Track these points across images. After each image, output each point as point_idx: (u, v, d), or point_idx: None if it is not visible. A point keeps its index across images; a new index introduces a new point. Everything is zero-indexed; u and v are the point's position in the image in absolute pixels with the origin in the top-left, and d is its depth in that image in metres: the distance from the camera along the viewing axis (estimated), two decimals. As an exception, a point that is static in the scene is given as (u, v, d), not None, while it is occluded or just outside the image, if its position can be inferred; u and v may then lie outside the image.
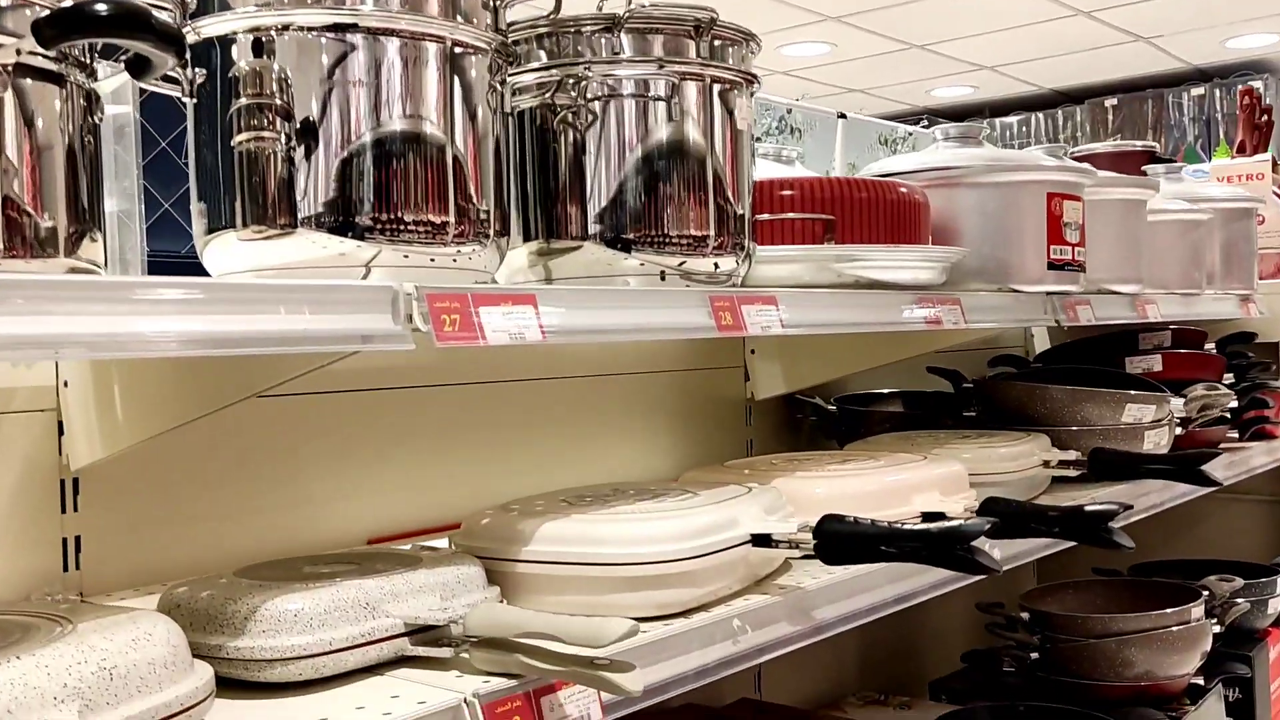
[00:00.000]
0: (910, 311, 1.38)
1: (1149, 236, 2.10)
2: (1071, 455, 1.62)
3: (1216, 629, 2.09)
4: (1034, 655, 2.05)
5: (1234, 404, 2.19)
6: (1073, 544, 1.33)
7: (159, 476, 1.15)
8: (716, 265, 1.16)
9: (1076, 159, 3.00)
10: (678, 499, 1.12)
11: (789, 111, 2.21)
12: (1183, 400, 1.82)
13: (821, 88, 6.04)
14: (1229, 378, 2.19)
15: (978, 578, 1.32)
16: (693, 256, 1.13)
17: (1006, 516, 1.24)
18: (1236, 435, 2.20)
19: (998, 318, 1.61)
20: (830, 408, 2.09)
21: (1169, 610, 1.99)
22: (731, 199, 1.15)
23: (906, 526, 1.01)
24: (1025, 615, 2.09)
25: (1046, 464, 1.62)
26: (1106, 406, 1.79)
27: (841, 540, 1.02)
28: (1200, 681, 2.06)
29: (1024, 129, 6.29)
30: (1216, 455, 1.56)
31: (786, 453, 1.65)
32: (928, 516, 1.29)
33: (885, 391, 2.19)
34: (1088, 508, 1.20)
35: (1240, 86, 3.14)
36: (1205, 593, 2.11)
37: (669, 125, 1.12)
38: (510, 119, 1.15)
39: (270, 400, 1.27)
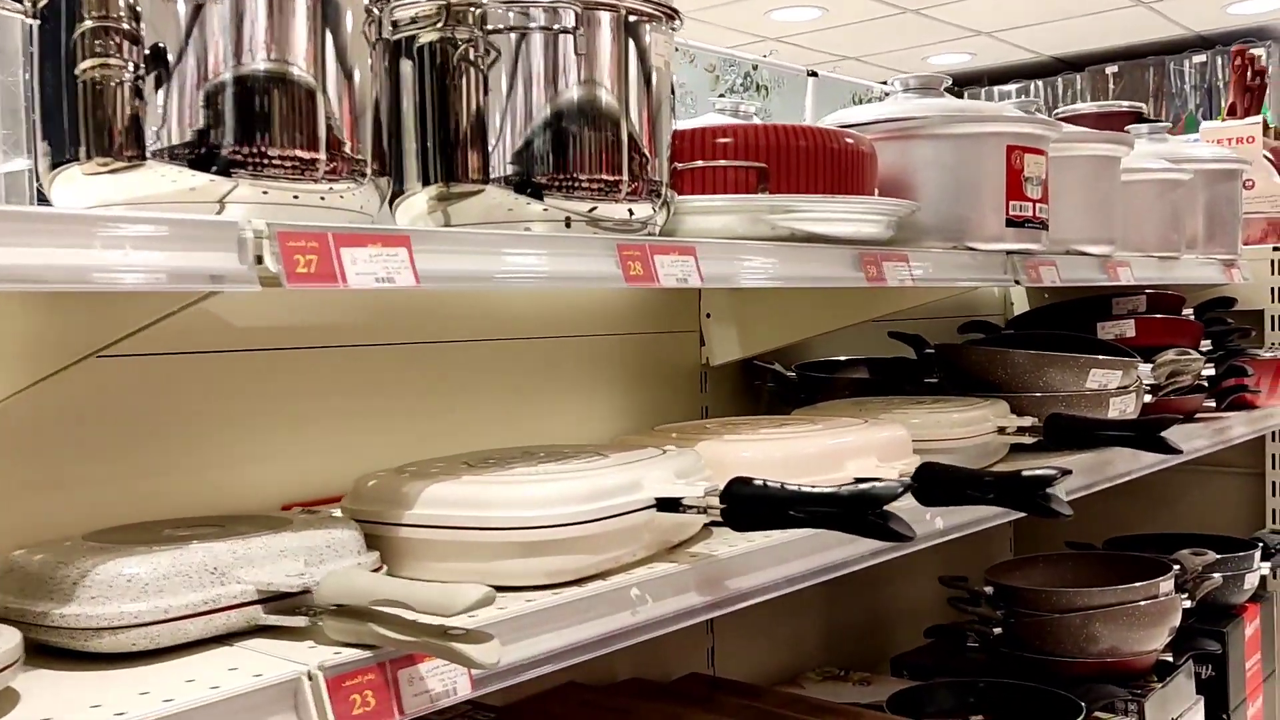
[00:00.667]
0: (850, 268, 1.30)
1: (1124, 197, 2.02)
2: (1027, 421, 1.54)
3: (1187, 604, 2.02)
4: (998, 630, 1.99)
5: (1210, 371, 2.11)
6: (1021, 514, 1.25)
7: (34, 439, 1.08)
8: (631, 212, 1.08)
9: (1062, 119, 2.91)
10: (584, 461, 1.05)
11: (754, 68, 2.11)
12: (1150, 366, 1.74)
13: (812, 55, 5.92)
14: (1206, 345, 2.11)
15: (916, 547, 1.25)
16: (603, 202, 1.05)
17: (941, 482, 1.16)
18: (1214, 404, 2.12)
19: (952, 276, 1.53)
20: (790, 374, 2.02)
21: (1136, 585, 1.92)
22: (646, 141, 1.07)
23: (815, 489, 0.93)
24: (990, 589, 2.02)
25: (1002, 430, 1.55)
26: (1070, 372, 1.71)
27: (749, 504, 0.95)
28: (1169, 658, 1.99)
29: (1023, 97, 6.18)
30: (1177, 422, 1.49)
31: (725, 417, 1.57)
32: (860, 483, 1.22)
33: (848, 358, 2.11)
34: (1025, 473, 1.12)
35: (1234, 46, 3.04)
36: (1177, 567, 2.03)
37: (576, 60, 1.04)
38: (409, 56, 1.07)
39: (181, 358, 1.20)
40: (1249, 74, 2.92)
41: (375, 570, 0.90)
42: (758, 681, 2.03)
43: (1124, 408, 1.73)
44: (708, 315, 1.93)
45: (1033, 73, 6.40)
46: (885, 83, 2.13)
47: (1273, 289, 2.50)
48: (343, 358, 1.40)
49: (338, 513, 1.04)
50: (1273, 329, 2.50)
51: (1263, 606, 2.36)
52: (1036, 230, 1.60)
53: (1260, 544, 2.35)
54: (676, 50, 2.03)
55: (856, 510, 0.91)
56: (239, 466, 1.29)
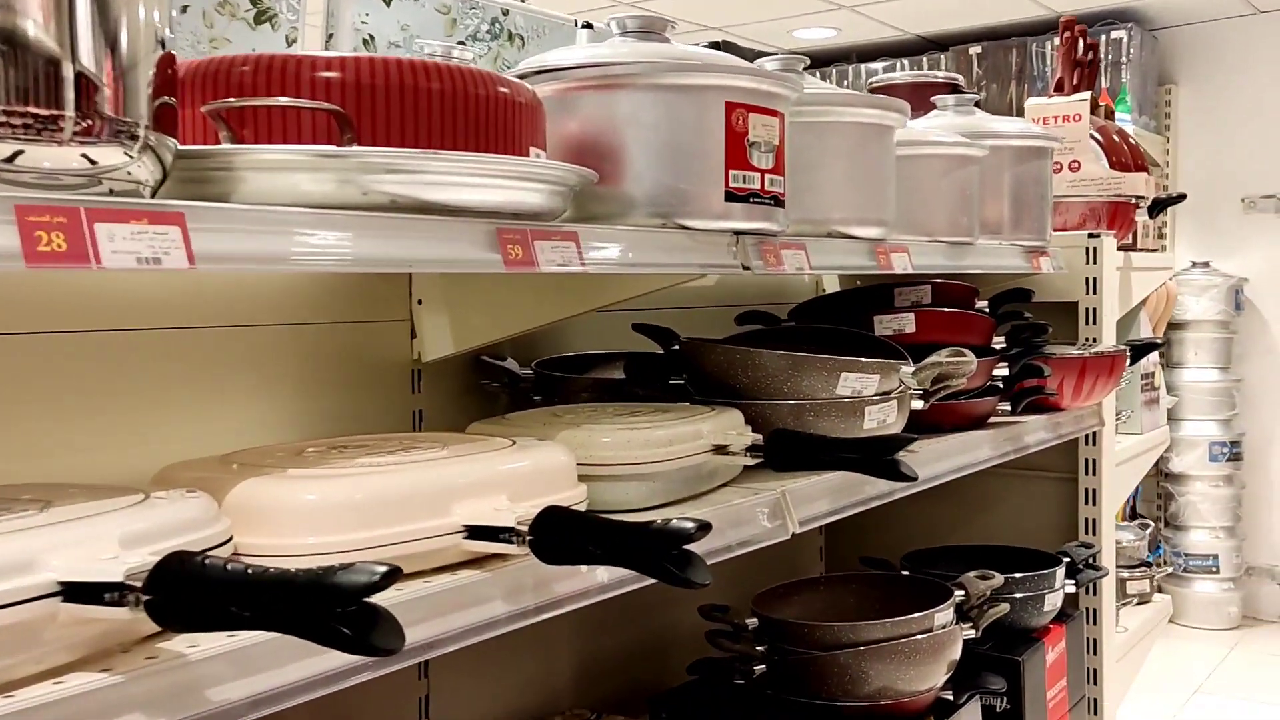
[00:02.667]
0: (481, 248, 1.01)
1: (907, 174, 1.77)
2: (749, 439, 1.27)
3: (970, 634, 1.79)
4: (761, 669, 1.73)
5: (1004, 371, 1.88)
6: (652, 580, 0.98)
7: None
8: (93, 160, 0.77)
9: (874, 90, 2.67)
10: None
11: (505, 12, 1.82)
12: (911, 369, 1.49)
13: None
14: (999, 342, 1.88)
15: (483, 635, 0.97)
16: (34, 144, 0.74)
17: (560, 532, 0.88)
18: (1009, 408, 1.89)
19: (657, 262, 1.25)
20: (524, 373, 1.73)
21: (908, 618, 1.68)
22: (104, 55, 0.76)
23: (270, 571, 0.64)
24: (753, 622, 1.77)
25: (722, 449, 1.28)
26: (818, 376, 1.45)
27: (180, 588, 0.65)
28: (950, 696, 1.76)
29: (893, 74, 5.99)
30: (911, 441, 1.24)
31: (351, 436, 1.27)
32: (473, 531, 0.93)
33: (598, 353, 1.83)
34: (655, 525, 0.85)
35: (1064, 17, 2.83)
36: (960, 593, 1.81)
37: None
38: None
39: None
40: (1078, 48, 2.72)
41: None
42: (484, 730, 1.74)
43: (884, 417, 1.48)
44: (419, 302, 1.63)
45: (899, 51, 6.21)
46: (588, 25, 1.83)
47: (1088, 280, 2.29)
48: None
49: None
50: (1087, 323, 2.29)
51: (1068, 627, 2.15)
52: (768, 207, 1.33)
53: (1066, 559, 2.14)
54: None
55: (318, 606, 0.62)
56: None
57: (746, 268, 1.35)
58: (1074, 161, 2.65)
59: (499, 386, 1.72)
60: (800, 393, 1.45)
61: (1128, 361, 2.15)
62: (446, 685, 1.70)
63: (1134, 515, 5.24)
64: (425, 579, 0.92)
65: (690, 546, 0.84)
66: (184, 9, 1.46)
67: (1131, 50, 5.59)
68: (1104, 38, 5.62)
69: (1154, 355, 2.79)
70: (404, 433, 1.26)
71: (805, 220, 1.55)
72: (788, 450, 1.24)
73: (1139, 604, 2.87)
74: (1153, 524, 3.69)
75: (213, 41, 1.48)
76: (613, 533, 0.85)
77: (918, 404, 1.58)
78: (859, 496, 1.45)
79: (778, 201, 1.35)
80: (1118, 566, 2.88)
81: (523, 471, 1.00)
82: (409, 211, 0.98)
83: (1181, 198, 2.50)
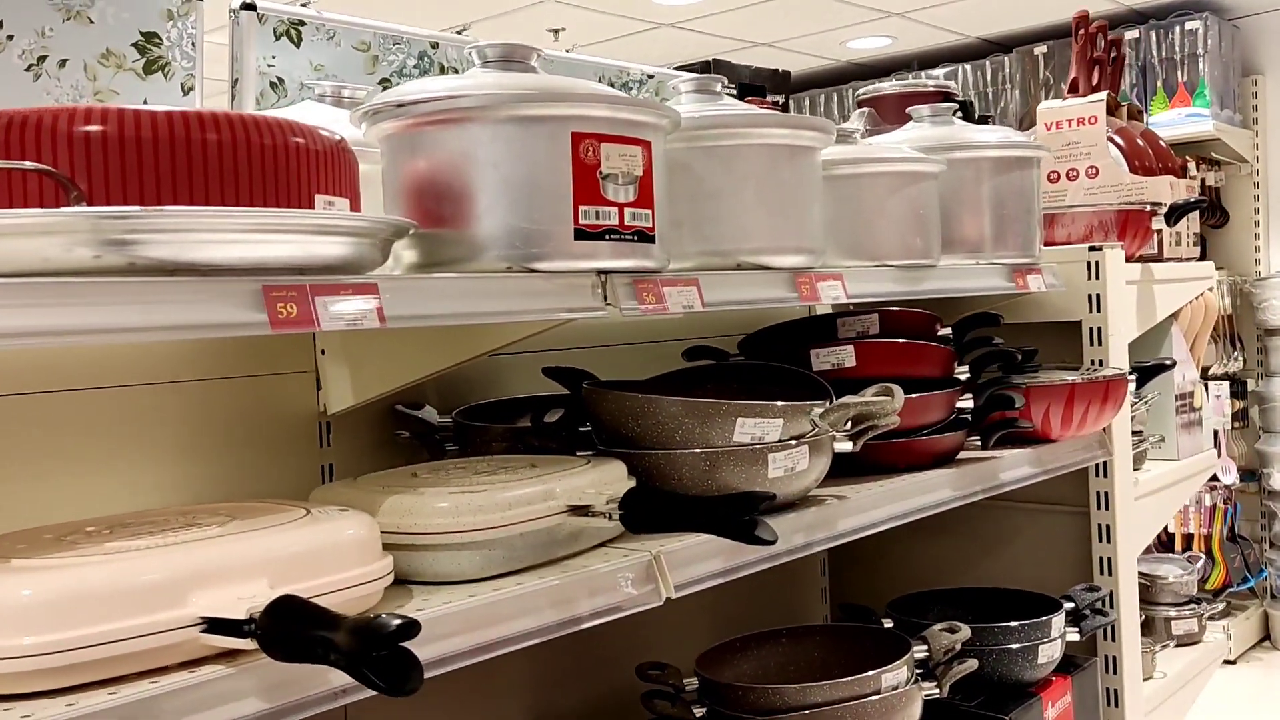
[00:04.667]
0: (244, 307, 0.93)
1: (844, 195, 1.64)
2: (603, 499, 1.16)
3: (934, 694, 1.64)
4: (701, 732, 1.61)
5: (968, 403, 1.72)
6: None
7: None
8: None
9: (862, 103, 2.53)
10: None
11: (434, 46, 1.74)
12: (819, 411, 1.36)
13: (714, 41, 5.53)
14: (963, 372, 1.72)
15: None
16: None
17: (293, 625, 0.79)
18: (980, 441, 1.73)
19: (503, 310, 1.15)
20: (440, 422, 1.65)
21: (852, 678, 1.54)
22: None
23: None
24: (694, 683, 1.65)
25: (581, 510, 1.17)
26: (714, 423, 1.33)
27: None
28: (910, 764, 1.61)
29: (951, 82, 5.78)
30: (766, 499, 1.11)
31: (149, 510, 1.19)
32: (212, 624, 0.85)
33: (529, 397, 1.74)
34: (374, 622, 0.75)
35: (1077, 12, 2.64)
36: (922, 647, 1.65)
37: None
38: None
39: None
40: (1095, 46, 2.53)
41: None
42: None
43: (792, 464, 1.35)
44: (322, 352, 1.57)
45: (960, 55, 5.97)
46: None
47: (1090, 296, 2.11)
48: None
49: None
50: (1092, 343, 2.11)
51: (1076, 679, 1.97)
52: (633, 243, 1.23)
53: (1069, 604, 1.96)
54: (304, 24, 1.62)
55: None
56: None
57: (616, 309, 1.24)
58: (1090, 168, 2.46)
59: (412, 437, 1.64)
60: (696, 441, 1.34)
61: (1131, 385, 1.96)
62: (368, 751, 1.62)
63: (1233, 537, 4.91)
64: (155, 679, 0.84)
65: (409, 645, 0.74)
66: (62, 63, 1.43)
67: (1209, 41, 5.27)
68: (1179, 29, 5.32)
69: (1191, 373, 2.56)
70: (203, 504, 1.19)
71: (712, 252, 1.44)
72: (643, 509, 1.13)
73: (1179, 645, 2.64)
74: (1202, 556, 3.42)
75: (97, 95, 1.45)
76: (329, 623, 0.76)
77: (845, 446, 1.44)
78: (761, 554, 1.32)
79: (644, 237, 1.24)
80: (1162, 604, 2.65)
81: (286, 551, 0.91)
82: (153, 274, 0.90)
83: (1202, 203, 2.28)
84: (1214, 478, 3.85)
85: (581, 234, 1.18)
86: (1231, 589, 4.71)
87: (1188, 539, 4.68)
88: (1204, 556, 3.45)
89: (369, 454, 1.63)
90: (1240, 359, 5.11)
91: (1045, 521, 2.24)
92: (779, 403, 1.34)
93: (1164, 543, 4.54)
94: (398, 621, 0.73)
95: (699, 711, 1.60)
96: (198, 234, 0.91)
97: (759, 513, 1.08)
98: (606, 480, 1.22)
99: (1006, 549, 2.28)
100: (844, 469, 1.59)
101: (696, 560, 1.25)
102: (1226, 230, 5.38)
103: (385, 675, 0.72)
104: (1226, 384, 4.63)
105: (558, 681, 1.88)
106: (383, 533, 1.08)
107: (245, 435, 1.50)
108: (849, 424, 1.41)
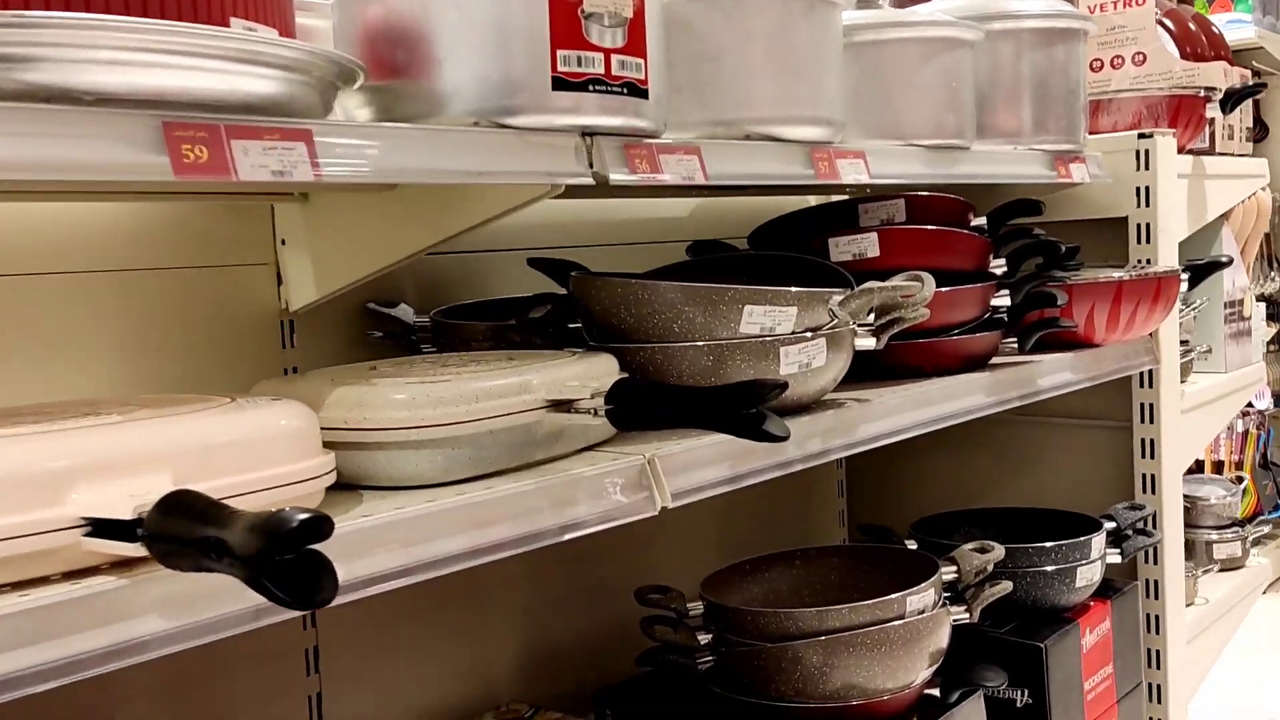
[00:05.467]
0: (139, 149, 0.76)
1: (868, 64, 1.45)
2: (587, 392, 1.00)
3: (963, 619, 1.49)
4: (708, 660, 1.47)
5: (1005, 301, 1.55)
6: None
7: None
8: None
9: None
10: None
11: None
12: (839, 299, 1.19)
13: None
14: (999, 266, 1.54)
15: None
16: None
17: (180, 525, 0.64)
18: (1016, 344, 1.56)
19: (467, 167, 0.99)
20: (417, 321, 1.49)
21: (871, 601, 1.39)
22: None
23: None
24: (699, 607, 1.50)
25: (562, 405, 1.01)
26: (718, 311, 1.16)
27: None
28: (936, 692, 1.47)
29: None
30: (776, 388, 0.94)
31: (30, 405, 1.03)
32: (97, 526, 0.70)
33: (522, 297, 1.57)
34: (274, 518, 0.59)
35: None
36: (950, 568, 1.50)
37: None
38: None
39: None
40: (1143, -80, 2.30)
41: None
42: (392, 731, 1.53)
43: (808, 360, 1.18)
44: (283, 242, 1.41)
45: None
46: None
47: (1139, 190, 1.92)
48: None
49: None
50: (1139, 241, 1.92)
51: (1116, 604, 1.82)
52: (621, 97, 1.05)
53: (1110, 523, 1.80)
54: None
55: None
56: None
57: (601, 178, 1.07)
58: (1137, 54, 2.25)
59: (386, 338, 1.49)
60: (698, 333, 1.17)
61: (1183, 283, 1.78)
62: (344, 679, 1.49)
63: (1265, 464, 4.73)
64: (28, 591, 0.69)
65: (319, 547, 0.59)
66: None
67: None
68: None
69: (1241, 279, 2.38)
70: (116, 396, 1.03)
71: (716, 122, 1.26)
72: (632, 403, 0.97)
73: (1221, 570, 2.49)
74: (1246, 477, 3.24)
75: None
76: (221, 520, 0.61)
77: (867, 342, 1.27)
78: (771, 460, 1.16)
79: (635, 90, 1.06)
80: (1204, 527, 2.50)
81: (195, 442, 0.76)
82: (42, 101, 0.74)
83: (1260, 88, 2.08)
84: (1247, 403, 3.67)
85: (561, 83, 1.01)
86: (1262, 517, 4.55)
87: (1218, 466, 4.51)
88: (1247, 478, 3.28)
89: (337, 357, 1.47)
90: (1277, 279, 4.89)
91: (1083, 437, 2.08)
92: (793, 288, 1.17)
93: (1191, 471, 4.36)
94: (303, 516, 0.57)
95: (704, 638, 1.46)
96: (83, 51, 0.75)
97: (769, 405, 0.92)
98: (594, 373, 1.06)
99: (1040, 467, 2.12)
100: (863, 373, 1.43)
101: (698, 465, 1.09)
102: (1266, 144, 5.12)
103: (289, 584, 0.57)
104: (1263, 305, 4.42)
105: (553, 610, 1.74)
106: (328, 429, 0.93)
107: (198, 334, 1.35)
108: (872, 316, 1.24)
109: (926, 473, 2.23)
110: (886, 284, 1.21)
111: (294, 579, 0.57)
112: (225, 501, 0.68)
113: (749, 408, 0.91)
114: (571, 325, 1.33)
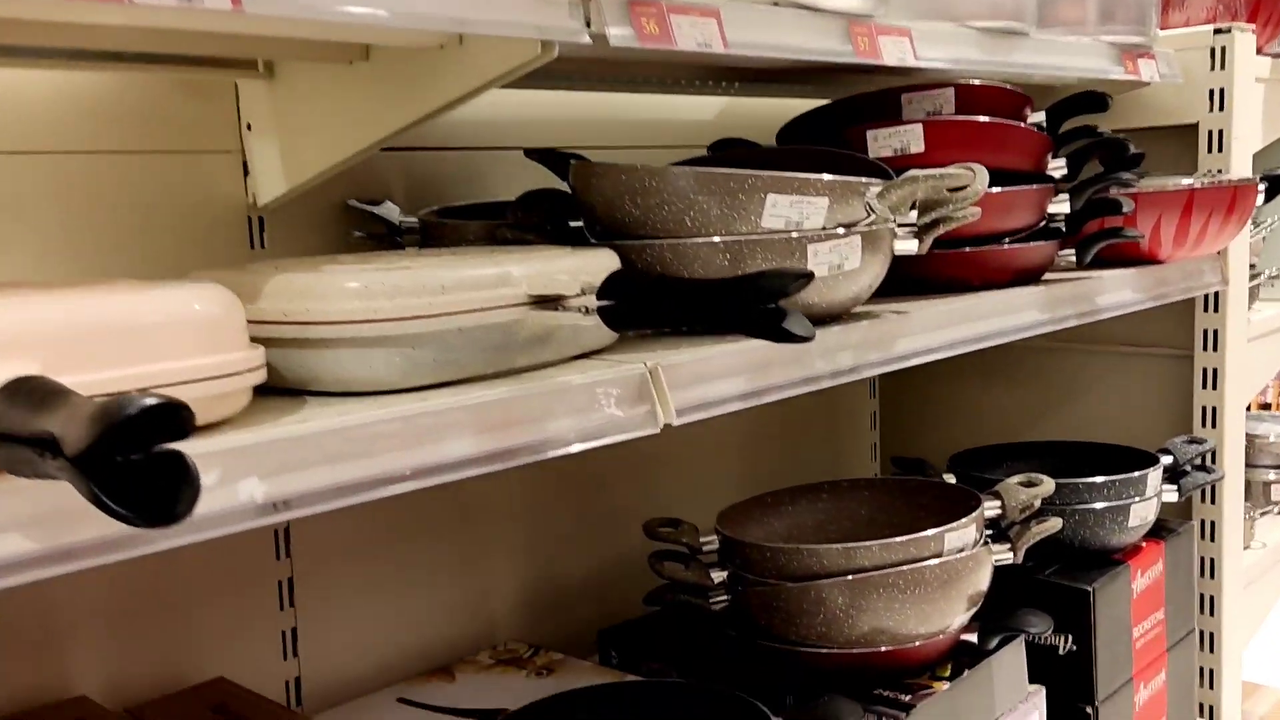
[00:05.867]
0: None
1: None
2: (577, 287, 0.85)
3: (1006, 559, 1.34)
4: (722, 600, 1.33)
5: (1063, 208, 1.38)
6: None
7: None
8: None
9: None
10: None
11: None
12: (877, 191, 1.03)
13: None
14: (1058, 168, 1.37)
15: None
16: None
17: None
18: (1074, 257, 1.39)
19: (445, 13, 0.83)
20: (404, 221, 1.34)
21: (904, 538, 1.24)
22: None
23: None
24: (713, 542, 1.36)
25: (546, 301, 0.86)
26: (736, 202, 1.00)
27: None
28: (973, 638, 1.33)
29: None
30: (801, 278, 0.78)
31: None
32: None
33: (504, 201, 1.42)
34: (112, 405, 0.45)
35: None
36: (993, 503, 1.35)
37: None
38: None
39: None
40: None
41: None
42: (388, 671, 1.41)
43: (840, 260, 1.02)
44: (248, 126, 1.25)
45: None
46: None
47: (1212, 93, 1.72)
48: None
49: None
50: (1211, 150, 1.73)
51: (1170, 545, 1.66)
52: (622, -62, 0.88)
53: (1167, 458, 1.64)
54: None
55: None
56: None
57: (604, 34, 0.91)
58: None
59: (369, 238, 1.34)
60: (713, 227, 1.01)
61: (1259, 196, 1.60)
62: (322, 609, 1.37)
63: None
64: None
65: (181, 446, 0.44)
66: None
67: None
68: None
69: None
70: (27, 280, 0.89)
71: (740, -16, 1.09)
72: (627, 300, 0.82)
73: (1282, 514, 2.32)
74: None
75: None
76: (51, 407, 0.46)
77: (909, 245, 1.11)
78: (795, 374, 1.01)
79: (640, -70, 0.89)
80: (1261, 466, 2.33)
81: (74, 325, 0.61)
82: None
83: (1353, -21, 1.88)
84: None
85: (548, -85, 0.84)
86: (1313, 462, 4.35)
87: (1264, 409, 4.32)
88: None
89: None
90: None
91: (1138, 366, 1.91)
92: (825, 175, 1.01)
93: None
94: (148, 402, 0.43)
95: (717, 576, 1.32)
96: None
97: (790, 297, 0.77)
98: (588, 268, 0.91)
99: (1090, 400, 1.96)
100: (902, 287, 1.27)
101: (710, 378, 0.94)
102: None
103: (132, 492, 0.43)
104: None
105: (559, 544, 1.61)
106: (266, 322, 0.79)
107: (154, 233, 1.21)
108: (914, 215, 1.08)
109: (966, 405, 2.07)
110: (932, 172, 1.04)
111: (142, 486, 0.43)
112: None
113: (767, 302, 0.75)
114: (573, 224, 1.18)
